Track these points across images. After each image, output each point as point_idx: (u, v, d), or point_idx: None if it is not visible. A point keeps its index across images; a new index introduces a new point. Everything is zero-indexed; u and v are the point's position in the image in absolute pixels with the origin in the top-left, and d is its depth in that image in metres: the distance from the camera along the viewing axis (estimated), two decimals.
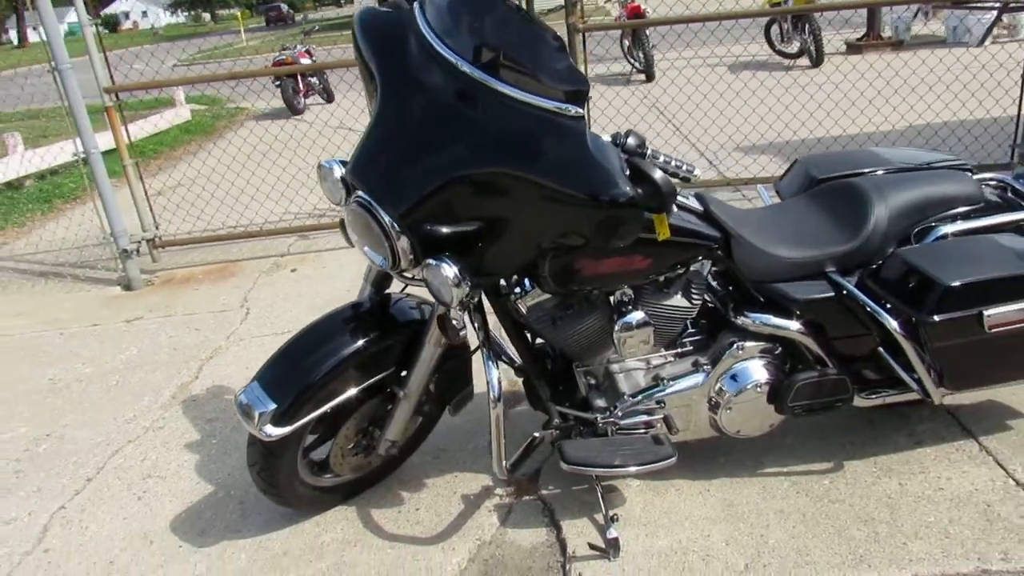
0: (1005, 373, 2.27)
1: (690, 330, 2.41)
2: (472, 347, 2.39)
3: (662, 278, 2.24)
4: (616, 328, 2.19)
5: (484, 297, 2.21)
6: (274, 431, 2.07)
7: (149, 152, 8.92)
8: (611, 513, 2.31)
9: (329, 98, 11.85)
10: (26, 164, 7.10)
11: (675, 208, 2.13)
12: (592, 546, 2.21)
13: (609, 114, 6.47)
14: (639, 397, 2.31)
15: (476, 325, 2.13)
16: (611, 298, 2.22)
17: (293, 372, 2.14)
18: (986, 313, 2.09)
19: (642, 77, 10.75)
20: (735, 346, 2.28)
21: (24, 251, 5.88)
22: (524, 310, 2.26)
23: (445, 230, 1.92)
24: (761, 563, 2.13)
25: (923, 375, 2.23)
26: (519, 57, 1.80)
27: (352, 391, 2.20)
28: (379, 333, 2.22)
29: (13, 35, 52.94)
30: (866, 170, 2.50)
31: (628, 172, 1.86)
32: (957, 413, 2.67)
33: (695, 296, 2.30)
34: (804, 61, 10.57)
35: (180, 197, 6.10)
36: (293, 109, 11.02)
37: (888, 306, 2.17)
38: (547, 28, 1.82)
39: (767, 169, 5.47)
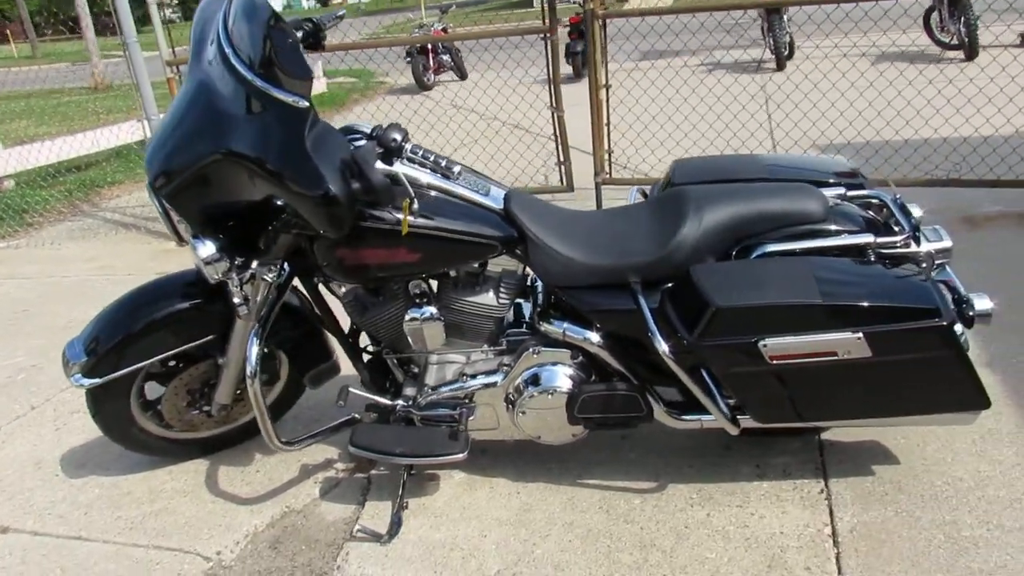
0: (808, 411, 2.05)
1: (514, 329, 2.37)
2: (324, 324, 2.49)
3: (453, 273, 2.23)
4: (405, 319, 2.21)
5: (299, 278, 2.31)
6: (85, 381, 2.30)
7: None
8: (404, 501, 2.35)
9: (462, 75, 12.17)
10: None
11: (460, 201, 2.12)
12: (362, 529, 2.27)
13: (718, 106, 6.21)
14: (440, 390, 2.32)
15: (258, 300, 2.22)
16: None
17: (110, 328, 2.35)
18: (762, 343, 1.91)
19: (774, 65, 10.15)
20: (531, 349, 2.23)
21: (124, 204, 6.62)
22: (340, 295, 2.34)
23: (211, 211, 2.03)
24: (513, 571, 2.09)
25: (706, 403, 2.08)
26: (265, 51, 1.87)
27: (170, 351, 2.38)
28: (206, 300, 2.38)
29: None
30: (727, 178, 2.33)
31: (354, 166, 1.89)
32: (830, 449, 2.44)
33: (503, 295, 2.27)
34: (961, 54, 9.50)
35: None
36: (422, 85, 11.44)
37: (667, 324, 2.03)
38: (290, 30, 1.88)
39: None
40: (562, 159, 4.88)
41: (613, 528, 2.21)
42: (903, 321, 1.87)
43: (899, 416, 2.10)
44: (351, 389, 2.36)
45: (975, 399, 2.02)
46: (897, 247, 2.09)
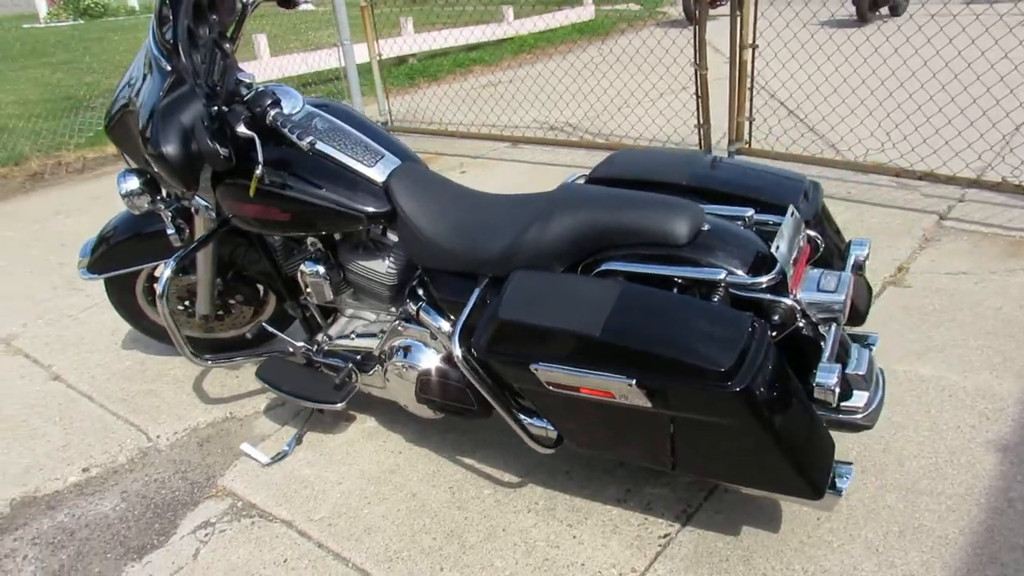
0: (612, 448, 1.87)
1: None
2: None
3: (337, 236, 2.33)
4: (300, 269, 2.38)
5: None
6: (87, 275, 2.81)
7: (528, 47, 9.95)
8: (301, 434, 2.58)
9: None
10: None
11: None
12: (247, 451, 2.53)
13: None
14: (336, 341, 2.47)
15: (187, 233, 2.51)
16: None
17: (116, 232, 2.79)
18: (534, 365, 1.77)
19: None
20: (399, 323, 2.28)
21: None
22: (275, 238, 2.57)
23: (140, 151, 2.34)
24: (331, 521, 2.23)
25: (503, 413, 1.98)
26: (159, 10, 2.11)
27: (155, 262, 2.79)
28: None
29: None
30: (645, 179, 2.13)
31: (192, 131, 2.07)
32: (718, 496, 2.18)
33: (393, 264, 2.32)
34: None
35: (497, 94, 6.91)
36: (691, 17, 10.91)
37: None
38: None
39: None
40: (701, 121, 4.53)
41: (442, 510, 2.24)
42: (685, 378, 1.63)
43: (712, 480, 1.84)
44: (263, 324, 2.59)
45: (793, 486, 1.71)
46: (759, 289, 1.79)
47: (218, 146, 2.06)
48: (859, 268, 2.01)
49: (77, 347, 3.35)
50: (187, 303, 2.94)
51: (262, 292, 2.95)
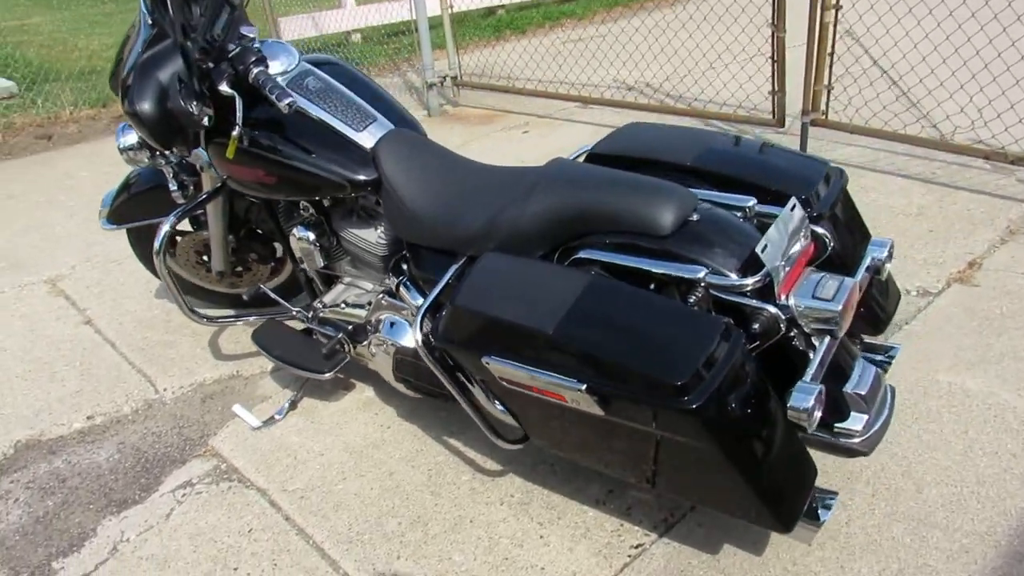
0: (573, 452, 1.73)
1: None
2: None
3: (326, 202, 2.24)
4: (291, 234, 2.31)
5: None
6: (107, 225, 2.83)
7: (596, 6, 9.54)
8: (296, 399, 2.55)
9: None
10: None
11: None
12: (237, 412, 2.52)
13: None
14: (327, 308, 2.41)
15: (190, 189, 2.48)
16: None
17: (133, 183, 2.80)
18: (485, 358, 1.64)
19: None
20: (382, 296, 2.18)
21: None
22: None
23: None
24: (303, 493, 2.19)
25: (462, 402, 1.86)
26: None
27: (169, 215, 2.78)
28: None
29: None
30: (650, 157, 1.95)
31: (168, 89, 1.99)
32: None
33: (384, 235, 2.22)
34: None
35: (578, 51, 6.64)
36: None
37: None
38: None
39: None
40: (776, 88, 4.18)
41: (415, 493, 2.16)
42: (637, 389, 1.47)
43: (681, 499, 1.68)
44: (261, 286, 2.55)
45: (759, 515, 1.53)
46: (741, 292, 1.59)
47: (193, 105, 1.98)
48: (876, 271, 1.76)
49: (114, 292, 3.43)
50: (205, 258, 2.94)
51: (279, 251, 2.91)
